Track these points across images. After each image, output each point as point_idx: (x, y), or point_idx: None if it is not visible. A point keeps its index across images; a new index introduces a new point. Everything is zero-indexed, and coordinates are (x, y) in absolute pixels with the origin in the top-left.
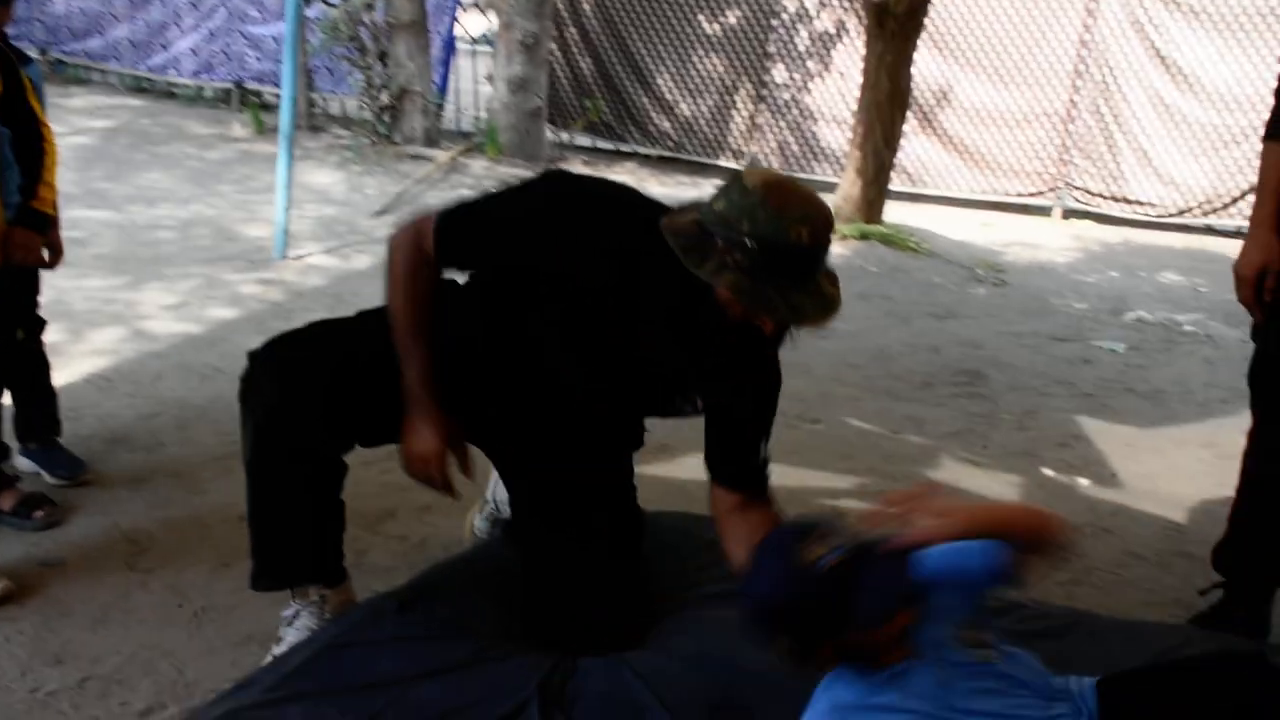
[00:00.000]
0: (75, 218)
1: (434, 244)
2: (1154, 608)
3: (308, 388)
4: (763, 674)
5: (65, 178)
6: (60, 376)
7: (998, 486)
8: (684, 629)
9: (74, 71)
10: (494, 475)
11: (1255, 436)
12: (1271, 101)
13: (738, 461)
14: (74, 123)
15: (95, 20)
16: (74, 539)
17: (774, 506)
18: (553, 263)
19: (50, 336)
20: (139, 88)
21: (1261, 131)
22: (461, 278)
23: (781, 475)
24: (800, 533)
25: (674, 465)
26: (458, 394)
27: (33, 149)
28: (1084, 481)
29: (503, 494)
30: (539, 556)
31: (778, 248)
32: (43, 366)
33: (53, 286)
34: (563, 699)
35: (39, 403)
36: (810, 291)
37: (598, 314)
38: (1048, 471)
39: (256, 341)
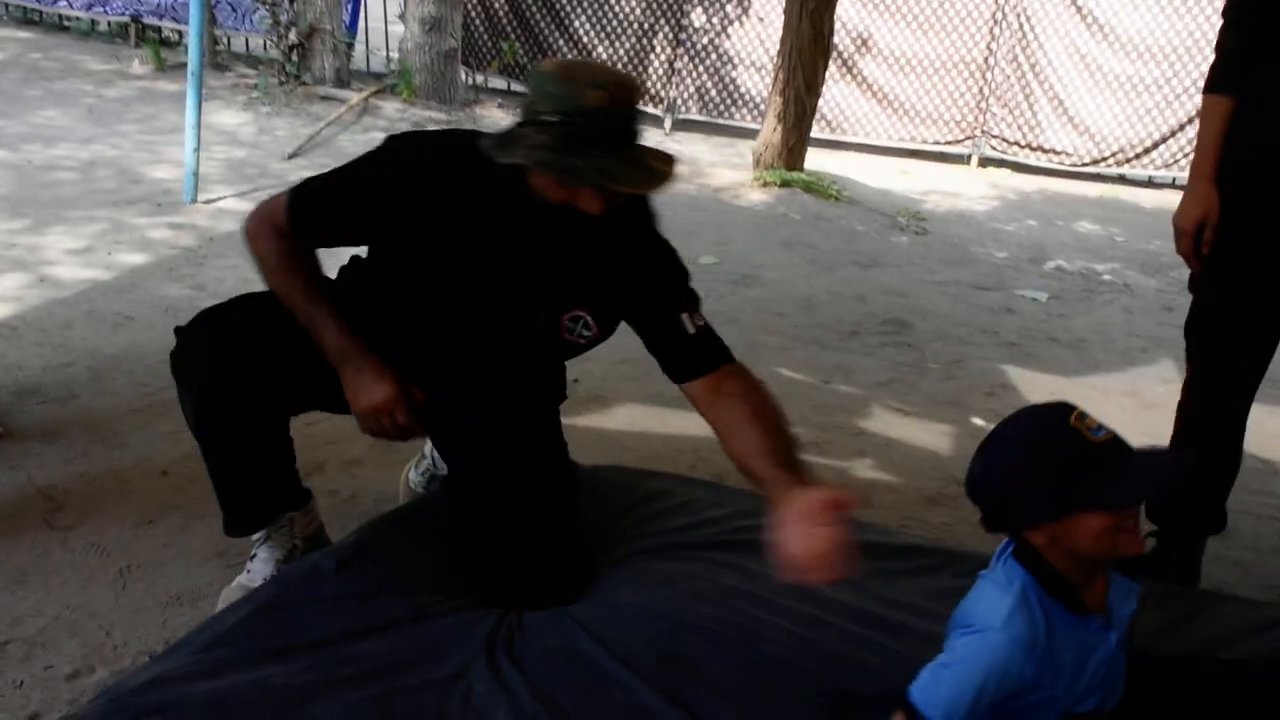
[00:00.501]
0: None
1: (288, 222)
2: None
3: (237, 360)
4: (707, 628)
5: None
6: None
7: (928, 436)
8: (626, 583)
9: None
10: None
11: (1190, 387)
12: (1207, 54)
13: (678, 350)
14: None
15: None
16: None
17: (741, 373)
18: (408, 220)
19: None
20: (27, 19)
21: (1176, 82)
22: (344, 270)
23: (709, 428)
24: (1064, 409)
25: (607, 417)
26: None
27: None
28: None
29: None
30: (475, 513)
31: (575, 114)
32: None
33: None
34: (510, 653)
35: None
36: (625, 159)
37: (466, 257)
38: (977, 421)
39: (169, 288)
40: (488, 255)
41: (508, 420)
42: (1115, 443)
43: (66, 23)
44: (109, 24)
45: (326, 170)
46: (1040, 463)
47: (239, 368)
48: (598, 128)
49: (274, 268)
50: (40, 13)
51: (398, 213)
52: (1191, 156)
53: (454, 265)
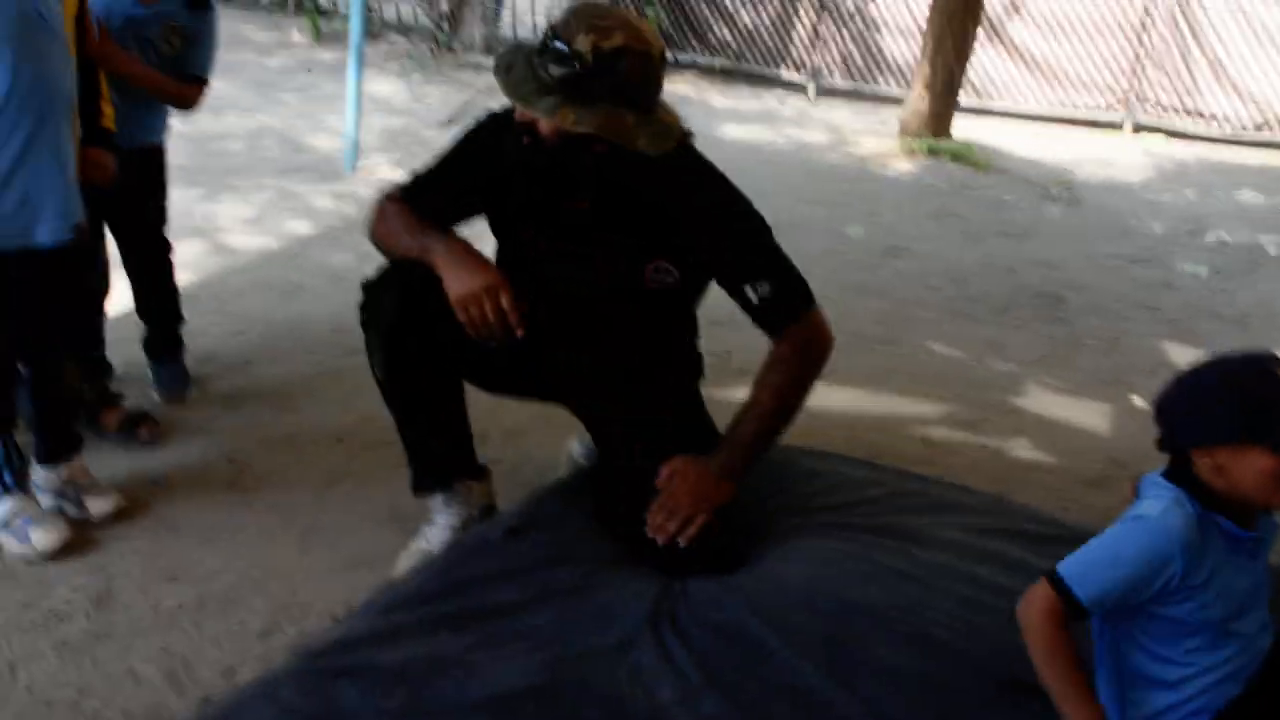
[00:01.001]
0: None
1: (402, 197)
2: None
3: (421, 303)
4: (874, 609)
5: None
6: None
7: (1089, 417)
8: (789, 559)
9: None
10: None
11: None
12: None
13: (750, 316)
14: None
15: None
16: (176, 459)
17: (788, 340)
18: (486, 190)
19: None
20: None
21: None
22: None
23: (867, 401)
24: (1269, 355)
25: None
26: (515, 367)
27: (85, 65)
28: None
29: None
30: (634, 487)
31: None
32: (169, 282)
33: None
34: (675, 626)
35: (165, 317)
36: (596, 106)
37: (540, 229)
38: (1138, 400)
39: (334, 256)
40: (542, 209)
41: (646, 398)
42: None
43: None
44: None
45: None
46: (1233, 386)
47: (423, 312)
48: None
49: (393, 229)
50: None
51: (469, 184)
52: None
53: (519, 226)
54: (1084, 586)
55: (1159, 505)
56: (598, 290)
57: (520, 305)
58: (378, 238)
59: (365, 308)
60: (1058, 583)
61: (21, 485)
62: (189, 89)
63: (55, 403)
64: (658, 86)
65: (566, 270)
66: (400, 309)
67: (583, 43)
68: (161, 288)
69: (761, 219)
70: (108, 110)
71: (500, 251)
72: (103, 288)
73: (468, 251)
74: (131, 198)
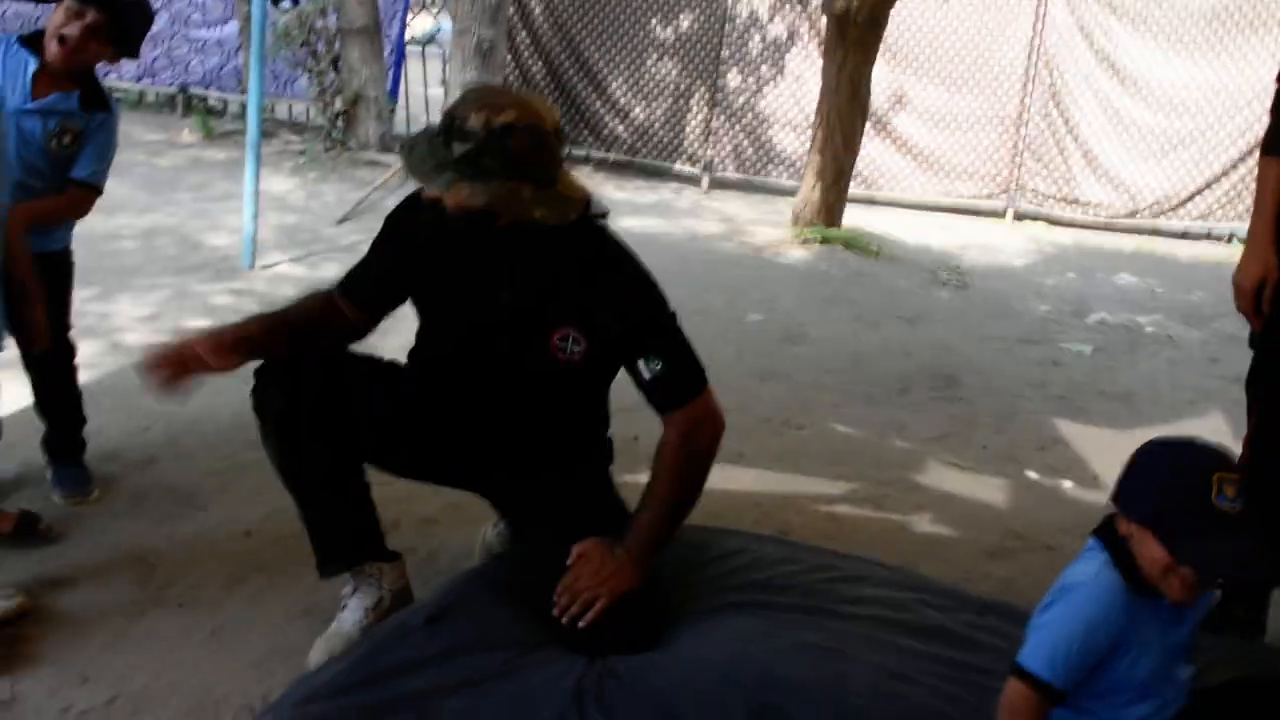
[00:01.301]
0: None
1: (340, 294)
2: None
3: (313, 389)
4: (794, 682)
5: None
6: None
7: (986, 491)
8: (709, 636)
9: None
10: None
11: (1252, 441)
12: (1239, 108)
13: (642, 389)
14: None
15: (31, 23)
16: (81, 559)
17: (671, 424)
18: (399, 272)
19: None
20: None
21: (1210, 134)
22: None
23: (775, 482)
24: (1220, 462)
25: None
26: (425, 452)
27: None
28: (1067, 484)
29: None
30: (547, 567)
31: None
32: (72, 385)
33: None
34: (602, 703)
35: (67, 419)
36: (490, 181)
37: (452, 304)
38: (1032, 474)
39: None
40: (453, 284)
41: (558, 482)
42: (1233, 519)
43: (117, 94)
44: (157, 94)
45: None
46: (1163, 470)
47: (315, 395)
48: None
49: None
50: None
51: (395, 262)
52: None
53: (435, 303)
54: (1053, 671)
55: (1090, 569)
56: (508, 365)
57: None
58: None
59: (255, 393)
60: (1028, 677)
61: None
62: (79, 198)
63: None
64: (554, 159)
65: (478, 344)
66: (288, 395)
67: (475, 120)
68: (64, 390)
69: (663, 298)
70: None
71: (421, 328)
72: None
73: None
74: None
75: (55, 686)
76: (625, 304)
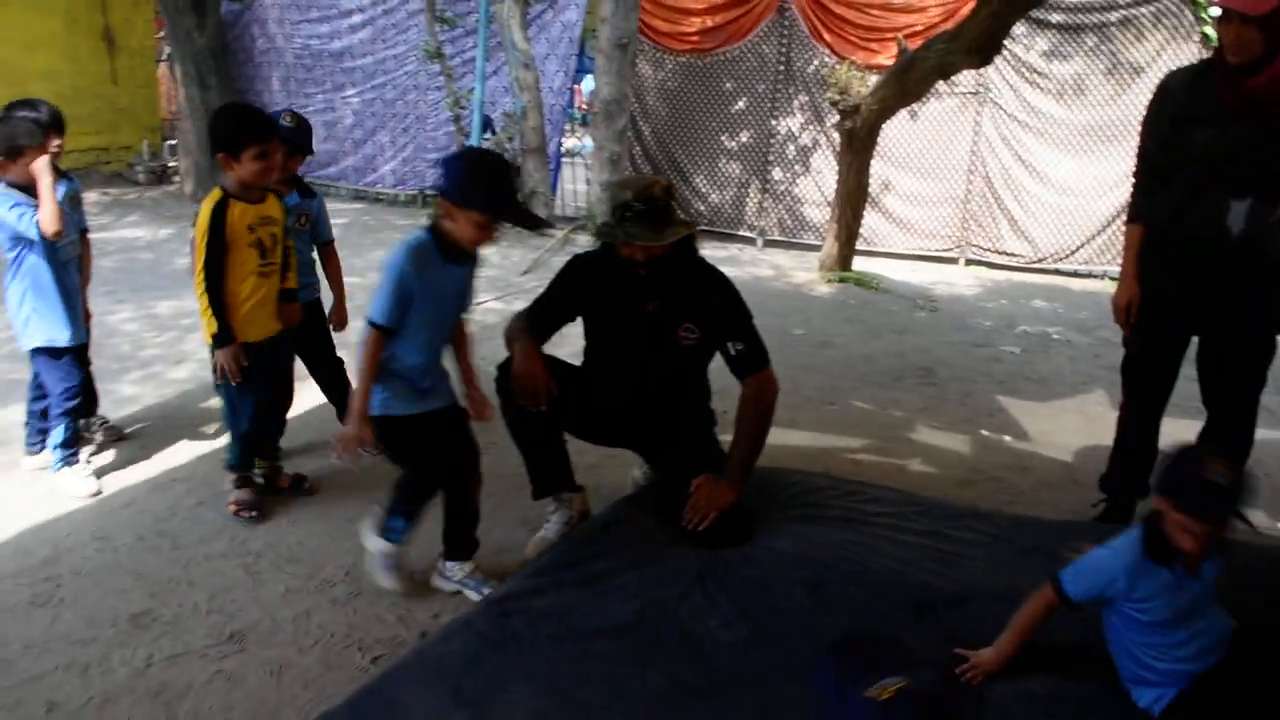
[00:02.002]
0: None
1: (524, 318)
2: (1060, 515)
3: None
4: (838, 564)
5: None
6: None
7: (953, 443)
8: (781, 535)
9: (320, 188)
10: None
11: (1125, 408)
12: (1108, 189)
13: (729, 362)
14: None
15: (334, 155)
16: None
17: (751, 385)
18: (577, 300)
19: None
20: (359, 196)
21: (1089, 207)
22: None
23: (817, 439)
24: (1214, 455)
25: None
26: (592, 414)
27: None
28: (1007, 438)
29: None
30: (675, 492)
31: (617, 207)
32: (344, 382)
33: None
34: (715, 580)
35: (343, 399)
36: (648, 225)
37: (613, 316)
38: (984, 432)
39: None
40: (622, 310)
41: (686, 441)
42: (1219, 487)
43: (381, 197)
44: (406, 195)
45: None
46: (1173, 462)
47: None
48: (631, 211)
49: (513, 343)
50: (365, 191)
51: (575, 302)
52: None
53: (600, 317)
54: (1073, 587)
55: (1123, 542)
56: (652, 353)
57: (547, 390)
58: (511, 346)
59: (499, 380)
60: (1056, 583)
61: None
62: (333, 252)
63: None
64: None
65: (634, 341)
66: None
67: (623, 196)
68: (339, 385)
69: (745, 305)
70: (291, 277)
71: (589, 341)
72: (289, 399)
73: (525, 351)
74: (309, 331)
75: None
76: (724, 307)
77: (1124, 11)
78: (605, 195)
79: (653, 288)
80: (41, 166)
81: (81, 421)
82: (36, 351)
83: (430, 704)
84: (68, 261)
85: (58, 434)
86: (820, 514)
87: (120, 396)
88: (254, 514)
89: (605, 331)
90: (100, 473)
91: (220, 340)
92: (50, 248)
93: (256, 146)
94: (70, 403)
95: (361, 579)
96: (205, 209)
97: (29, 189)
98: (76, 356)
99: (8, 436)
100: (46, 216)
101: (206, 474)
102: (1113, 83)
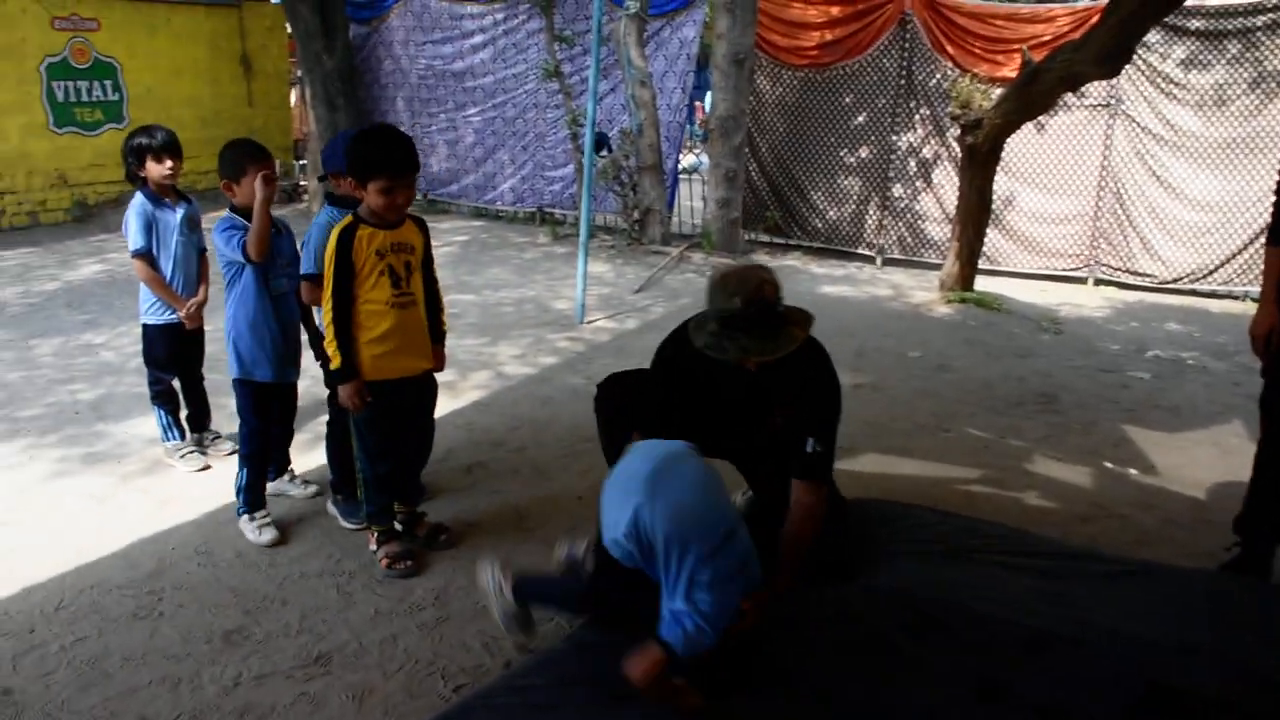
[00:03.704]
0: (452, 300)
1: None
2: (1190, 558)
3: (629, 406)
4: (942, 600)
5: (443, 274)
6: (454, 404)
7: (1077, 476)
8: (890, 571)
9: (441, 205)
10: None
11: (1263, 443)
12: (1248, 205)
13: (798, 457)
14: (444, 238)
15: (455, 173)
16: (482, 507)
17: (804, 490)
18: (674, 380)
19: (444, 378)
20: (479, 214)
21: (1228, 225)
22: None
23: (930, 469)
24: None
25: (855, 463)
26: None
27: (433, 289)
28: (1133, 472)
29: None
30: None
31: (722, 313)
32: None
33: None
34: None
35: None
36: (761, 335)
37: (704, 398)
38: (1108, 464)
39: (571, 379)
40: (715, 396)
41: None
42: None
43: (500, 214)
44: (524, 213)
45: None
46: None
47: (629, 405)
48: (741, 319)
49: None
50: (486, 209)
51: (668, 378)
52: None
53: (696, 404)
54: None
55: None
56: (751, 441)
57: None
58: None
59: (597, 400)
60: None
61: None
62: (204, 260)
63: None
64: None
65: (731, 429)
66: (615, 405)
67: (735, 300)
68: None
69: (838, 407)
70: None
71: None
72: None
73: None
74: None
75: (466, 588)
76: (816, 399)
77: (1272, 15)
78: (707, 292)
79: (758, 383)
80: (256, 187)
81: (194, 436)
82: (236, 382)
83: None
84: (283, 295)
85: (239, 477)
86: (928, 551)
87: (233, 411)
88: (408, 564)
89: (693, 406)
90: (208, 486)
91: (340, 375)
92: (261, 275)
93: (384, 180)
94: (245, 447)
95: (450, 604)
96: (333, 234)
97: (249, 214)
98: (274, 396)
99: (127, 449)
100: (251, 239)
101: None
102: (1258, 94)
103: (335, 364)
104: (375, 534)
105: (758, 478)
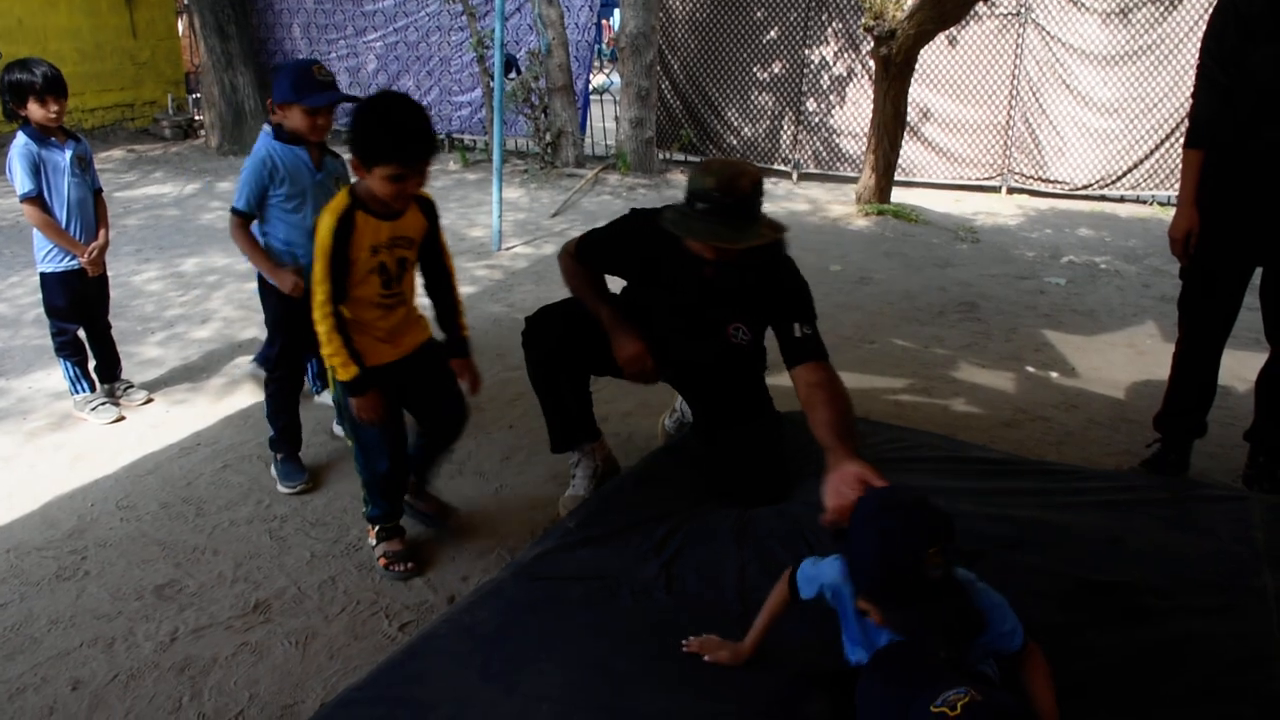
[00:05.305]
0: None
1: (577, 254)
2: (1112, 456)
3: (560, 336)
4: None
5: None
6: None
7: (1000, 381)
8: (817, 492)
9: (345, 134)
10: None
11: (1181, 343)
12: (1155, 111)
13: (788, 347)
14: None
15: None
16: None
17: (826, 369)
18: (633, 264)
19: None
20: None
21: (1134, 130)
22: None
23: (856, 380)
24: (929, 531)
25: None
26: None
27: (445, 283)
28: (1054, 374)
29: (685, 404)
30: (719, 447)
31: (696, 193)
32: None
33: None
34: (745, 536)
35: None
36: (732, 225)
37: (666, 284)
38: (1030, 369)
39: (492, 307)
40: (672, 287)
41: (730, 381)
42: (934, 585)
43: None
44: None
45: (595, 226)
46: (880, 555)
47: (562, 340)
48: (714, 203)
49: (572, 279)
50: None
51: (627, 260)
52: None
53: (656, 292)
54: (807, 582)
55: (833, 569)
56: (694, 343)
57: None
58: (567, 280)
59: (526, 334)
60: (792, 577)
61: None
62: (100, 201)
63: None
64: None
65: (677, 328)
66: (546, 340)
67: (709, 183)
68: None
69: (810, 292)
70: (464, 321)
71: (628, 295)
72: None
73: (628, 326)
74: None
75: (410, 525)
76: (795, 294)
77: None
78: (686, 175)
79: (715, 288)
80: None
81: (105, 387)
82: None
83: (458, 679)
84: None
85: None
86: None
87: (144, 359)
88: (409, 566)
89: (648, 304)
90: (124, 438)
91: (354, 388)
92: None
93: (394, 167)
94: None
95: None
96: (327, 219)
97: (295, 139)
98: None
99: (31, 405)
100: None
101: (231, 437)
102: (1160, 3)
103: (344, 376)
104: (375, 528)
105: (701, 394)
